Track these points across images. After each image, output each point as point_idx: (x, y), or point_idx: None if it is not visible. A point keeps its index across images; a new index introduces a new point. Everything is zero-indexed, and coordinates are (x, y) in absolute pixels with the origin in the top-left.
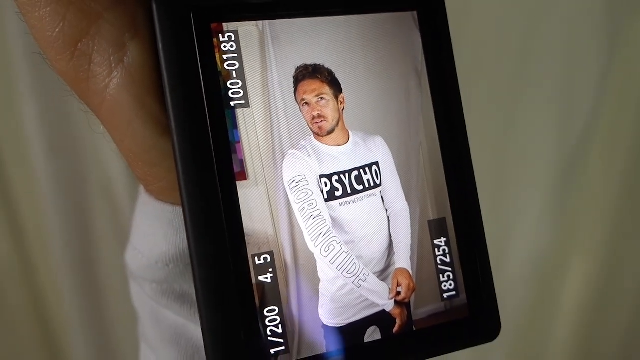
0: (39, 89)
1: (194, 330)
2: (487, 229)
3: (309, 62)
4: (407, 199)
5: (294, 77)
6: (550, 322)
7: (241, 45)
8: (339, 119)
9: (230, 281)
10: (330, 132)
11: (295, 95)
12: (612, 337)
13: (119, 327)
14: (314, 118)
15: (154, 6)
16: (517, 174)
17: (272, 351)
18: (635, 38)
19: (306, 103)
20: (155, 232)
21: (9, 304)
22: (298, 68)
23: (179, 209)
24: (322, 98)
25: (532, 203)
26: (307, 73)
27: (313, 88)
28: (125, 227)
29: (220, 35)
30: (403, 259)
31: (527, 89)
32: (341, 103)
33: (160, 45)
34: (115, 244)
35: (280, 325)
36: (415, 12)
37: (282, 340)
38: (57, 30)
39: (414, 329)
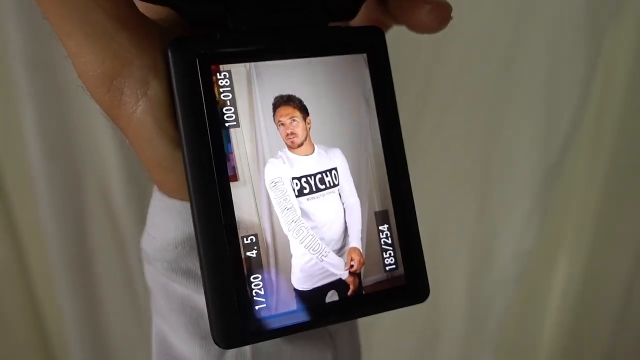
0: (38, 94)
1: (198, 300)
2: (474, 231)
3: (284, 93)
4: (359, 195)
5: (272, 104)
6: (536, 321)
7: (233, 81)
8: (307, 136)
9: (225, 256)
10: (300, 145)
11: (274, 118)
12: (598, 336)
13: (115, 328)
14: (287, 135)
15: (170, 53)
16: (502, 177)
17: (256, 307)
18: (616, 45)
19: (282, 124)
20: (167, 221)
21: (5, 305)
22: (276, 97)
23: (186, 204)
24: (294, 120)
25: (518, 206)
26: (282, 101)
27: (287, 112)
28: (121, 231)
29: (218, 74)
30: (355, 240)
31: (511, 94)
32: (308, 124)
33: (174, 82)
34: (111, 247)
35: (262, 289)
36: (365, 55)
37: (264, 300)
38: (98, 71)
39: (364, 292)
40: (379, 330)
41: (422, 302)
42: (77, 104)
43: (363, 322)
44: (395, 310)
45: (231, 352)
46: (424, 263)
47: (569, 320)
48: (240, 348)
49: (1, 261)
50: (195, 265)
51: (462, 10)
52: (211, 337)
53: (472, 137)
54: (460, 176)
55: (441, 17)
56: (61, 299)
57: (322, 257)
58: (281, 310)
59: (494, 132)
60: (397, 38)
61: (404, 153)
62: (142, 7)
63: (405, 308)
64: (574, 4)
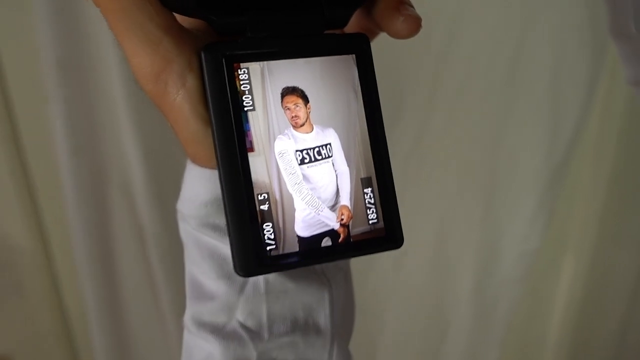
0: (66, 94)
1: (223, 249)
2: (480, 231)
3: (289, 85)
4: (348, 164)
5: (280, 93)
6: (543, 320)
7: (250, 75)
8: (307, 118)
9: (245, 209)
10: (302, 125)
11: (281, 104)
12: (604, 335)
13: (134, 317)
14: (292, 117)
15: (203, 54)
16: (508, 178)
17: (268, 248)
18: None
19: (288, 109)
20: (198, 186)
21: (30, 294)
22: (283, 88)
23: (214, 171)
24: (297, 105)
25: (523, 207)
26: (288, 91)
27: (292, 100)
28: (141, 225)
29: (239, 70)
30: (345, 200)
31: (517, 97)
32: (308, 109)
33: (205, 76)
34: (131, 240)
35: (272, 234)
36: (353, 55)
37: (273, 242)
38: (148, 68)
39: (351, 240)
40: (387, 327)
41: (398, 248)
42: (102, 104)
43: (371, 318)
44: (402, 308)
45: (249, 287)
46: (399, 218)
47: (574, 319)
48: (255, 284)
49: (28, 252)
50: (221, 221)
51: (468, 15)
52: (234, 277)
53: (479, 139)
54: (467, 177)
55: (412, 26)
56: (83, 289)
57: (319, 211)
58: (287, 250)
59: (500, 134)
60: (407, 44)
61: (384, 132)
62: (180, 18)
63: (412, 306)
64: (577, 10)
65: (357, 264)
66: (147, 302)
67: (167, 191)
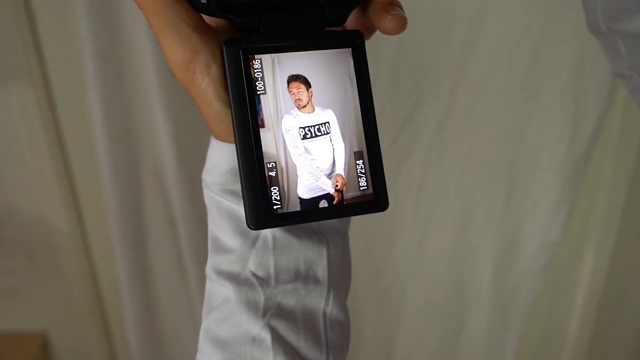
0: (104, 85)
1: (239, 210)
2: (500, 222)
3: (294, 73)
4: (343, 140)
5: (287, 80)
6: (563, 313)
7: (263, 65)
8: (309, 101)
9: (256, 175)
10: (304, 107)
11: (288, 88)
12: (625, 329)
13: (164, 296)
14: (296, 100)
15: (224, 48)
16: (529, 170)
17: (274, 207)
18: None
19: (293, 92)
20: (219, 158)
21: (68, 274)
22: (289, 76)
23: (232, 145)
24: (300, 90)
25: (544, 199)
26: (293, 78)
27: (296, 85)
28: (172, 209)
29: (253, 61)
30: (340, 169)
31: (539, 89)
32: (310, 93)
33: (226, 66)
34: (163, 223)
35: (279, 196)
36: (350, 49)
37: (279, 203)
38: (179, 59)
39: (345, 203)
40: (407, 312)
41: (383, 210)
42: (137, 95)
43: (393, 303)
44: (423, 295)
45: (259, 242)
46: (386, 186)
47: (595, 312)
48: (264, 240)
49: (66, 234)
50: (237, 188)
51: (491, 8)
52: (247, 234)
53: (500, 131)
54: (488, 169)
55: (399, 24)
56: (116, 268)
57: (317, 178)
58: (290, 209)
59: (522, 126)
60: (430, 38)
61: (374, 113)
62: (206, 18)
63: (432, 293)
64: None
65: (379, 251)
66: (175, 281)
67: (196, 178)
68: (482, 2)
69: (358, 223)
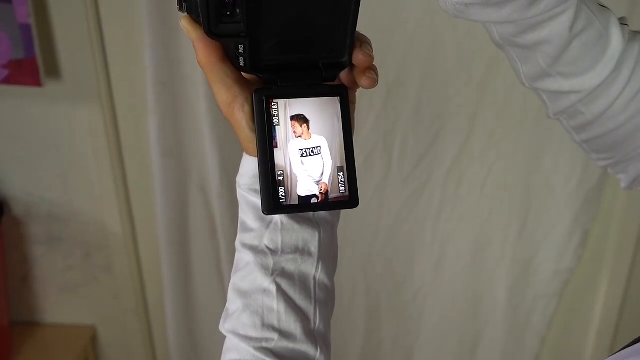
0: (162, 106)
1: (259, 203)
2: (515, 248)
3: (294, 114)
4: (331, 158)
5: (291, 117)
6: (578, 338)
7: (279, 106)
8: (303, 132)
9: (270, 179)
10: (300, 136)
11: (291, 124)
12: None
13: (203, 299)
14: (294, 132)
15: (254, 94)
16: (543, 198)
17: (280, 200)
18: None
19: (293, 126)
20: (248, 166)
21: (118, 274)
22: (291, 117)
23: (256, 158)
24: (301, 125)
25: (558, 226)
26: (293, 117)
27: (298, 122)
28: (214, 219)
29: (272, 103)
30: (326, 179)
31: (554, 124)
32: (305, 127)
33: (254, 106)
34: (205, 233)
35: (284, 193)
36: (338, 97)
37: (284, 198)
38: (225, 100)
39: (329, 200)
40: (424, 328)
41: (355, 207)
42: (189, 118)
43: (411, 319)
44: (439, 313)
45: (272, 225)
46: (357, 191)
47: (611, 337)
48: (275, 223)
49: (120, 236)
50: (259, 188)
51: None
52: (264, 219)
53: (516, 161)
54: (503, 196)
55: (371, 83)
56: (163, 272)
57: (310, 184)
58: (291, 203)
59: (536, 157)
60: (451, 75)
61: (352, 141)
62: (243, 74)
63: (449, 310)
64: None
65: (400, 269)
66: (214, 286)
67: (235, 190)
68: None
69: (381, 240)
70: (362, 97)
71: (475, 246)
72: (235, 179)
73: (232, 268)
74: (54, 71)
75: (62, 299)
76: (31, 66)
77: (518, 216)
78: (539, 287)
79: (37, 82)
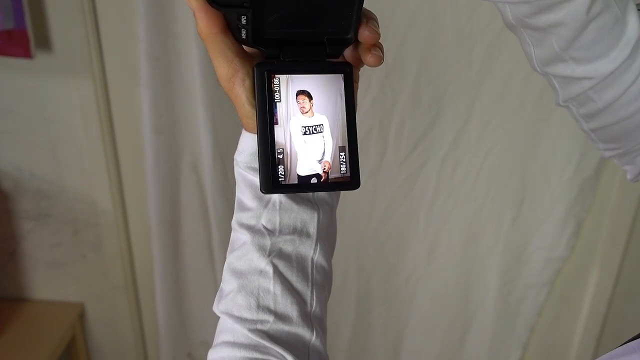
0: (155, 82)
1: (257, 182)
2: (507, 236)
3: (301, 89)
4: (332, 137)
5: (295, 93)
6: (567, 327)
7: (280, 82)
8: (310, 108)
9: (269, 157)
10: (306, 112)
11: (296, 99)
12: None
13: (192, 277)
14: (301, 107)
15: (255, 68)
16: (538, 187)
17: (279, 179)
18: None
19: (299, 102)
20: (247, 143)
21: (107, 250)
22: (297, 90)
23: (255, 135)
24: (304, 101)
25: (551, 216)
26: (300, 92)
27: (302, 98)
28: (206, 199)
29: (274, 78)
30: (328, 157)
31: (552, 112)
32: (311, 104)
33: (255, 80)
34: (196, 212)
35: (283, 172)
36: (342, 74)
37: (283, 177)
38: (225, 75)
39: (329, 181)
40: (414, 314)
41: (356, 188)
42: (182, 93)
43: (402, 303)
44: (430, 298)
45: (270, 205)
46: (359, 172)
47: (599, 327)
48: (273, 203)
49: (110, 214)
50: (257, 165)
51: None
52: (262, 198)
53: (512, 149)
54: (498, 183)
55: (377, 61)
56: (153, 250)
57: (311, 162)
58: (290, 182)
59: (533, 145)
60: (451, 59)
61: (355, 120)
62: (244, 47)
63: (440, 297)
64: None
65: (393, 252)
66: (203, 265)
67: (229, 172)
68: (500, 29)
69: (374, 224)
70: (359, 79)
71: (468, 232)
72: (228, 158)
73: (223, 248)
74: (44, 43)
75: (50, 275)
76: (21, 37)
77: (512, 204)
78: (530, 275)
79: (27, 54)
